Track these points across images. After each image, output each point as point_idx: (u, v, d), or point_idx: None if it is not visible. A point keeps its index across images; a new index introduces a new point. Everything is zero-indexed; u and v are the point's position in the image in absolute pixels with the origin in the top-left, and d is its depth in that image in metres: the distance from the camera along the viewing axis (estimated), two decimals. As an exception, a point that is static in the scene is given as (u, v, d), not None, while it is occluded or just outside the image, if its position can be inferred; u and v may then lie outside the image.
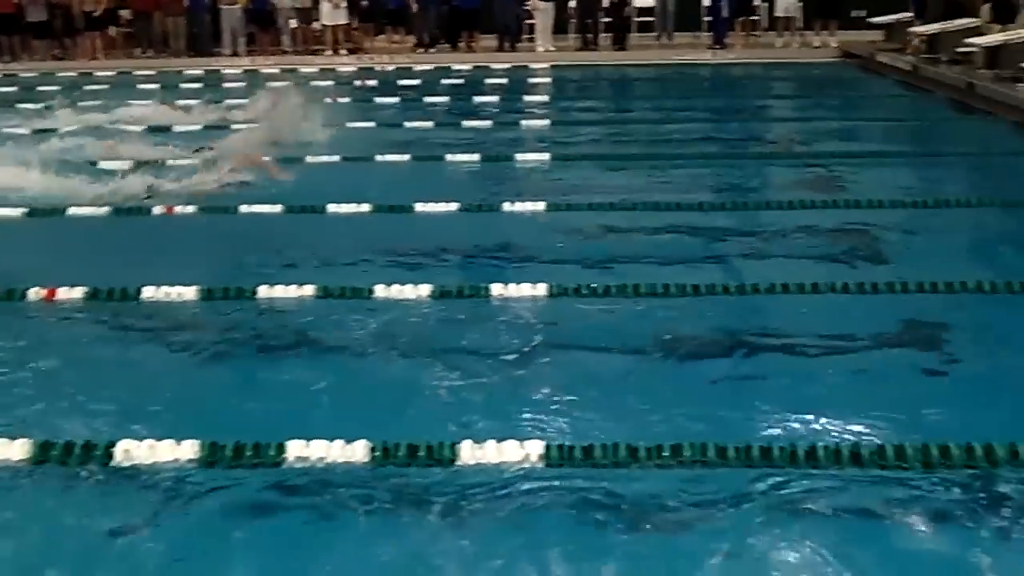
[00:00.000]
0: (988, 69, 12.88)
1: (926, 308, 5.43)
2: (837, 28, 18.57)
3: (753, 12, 19.20)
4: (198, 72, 17.50)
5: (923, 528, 3.43)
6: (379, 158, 9.43)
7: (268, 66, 17.98)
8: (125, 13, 19.60)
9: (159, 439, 3.90)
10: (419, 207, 7.60)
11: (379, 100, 13.77)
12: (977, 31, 14.02)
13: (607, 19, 19.31)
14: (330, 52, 19.20)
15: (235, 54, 19.24)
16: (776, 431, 4.03)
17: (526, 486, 3.68)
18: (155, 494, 3.68)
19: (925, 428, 4.00)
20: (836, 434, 3.97)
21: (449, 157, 9.58)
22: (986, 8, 14.55)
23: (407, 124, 11.79)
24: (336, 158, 9.27)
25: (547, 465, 3.78)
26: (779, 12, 18.68)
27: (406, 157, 9.52)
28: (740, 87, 15.72)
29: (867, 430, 4.02)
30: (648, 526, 3.47)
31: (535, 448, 3.82)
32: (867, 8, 18.78)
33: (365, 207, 7.59)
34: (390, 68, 17.81)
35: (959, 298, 5.51)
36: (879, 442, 3.85)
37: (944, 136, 11.30)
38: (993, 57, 12.88)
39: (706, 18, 19.41)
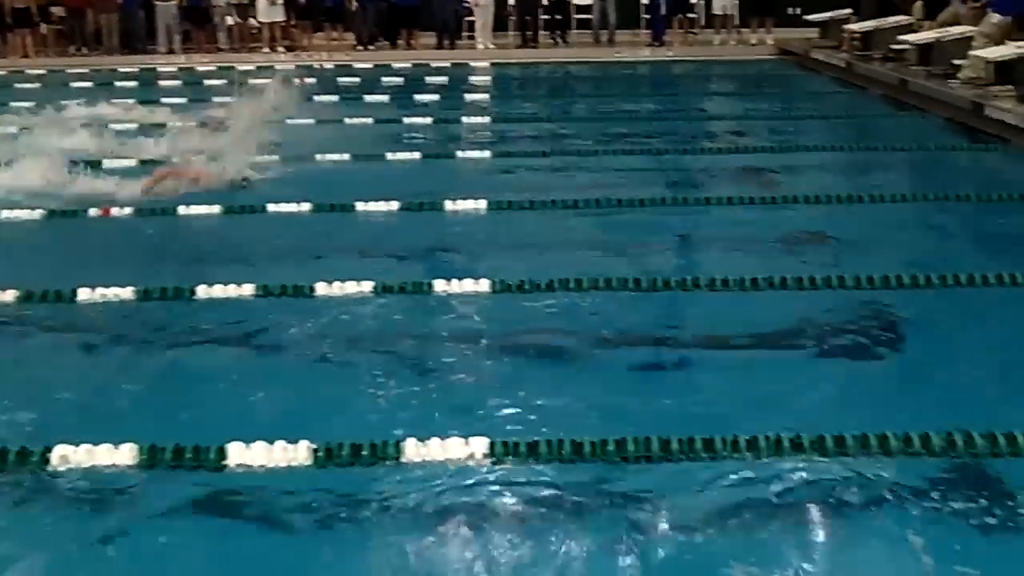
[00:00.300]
0: (920, 66, 13.12)
1: (862, 302, 5.51)
2: (773, 26, 18.82)
3: (691, 10, 19.38)
4: (133, 70, 17.22)
5: (863, 514, 3.48)
6: (319, 157, 9.35)
7: (204, 64, 17.75)
8: (57, 10, 19.22)
9: (96, 443, 3.82)
10: (360, 205, 7.55)
11: (318, 99, 13.65)
12: (910, 28, 14.27)
13: (546, 16, 19.35)
14: (267, 50, 19.01)
15: (171, 52, 18.97)
16: (718, 423, 4.05)
17: (472, 483, 3.67)
18: (93, 499, 3.61)
19: (863, 418, 4.06)
20: (776, 424, 4.01)
21: (390, 155, 9.53)
22: (918, 6, 14.83)
23: (347, 122, 11.71)
24: (275, 157, 9.17)
25: (492, 461, 3.78)
26: (716, 10, 18.88)
27: (346, 156, 9.45)
28: (679, 84, 15.88)
29: (806, 421, 4.06)
30: (594, 520, 3.48)
31: (480, 444, 3.82)
32: (802, 6, 19.04)
33: (306, 206, 7.52)
34: (329, 66, 17.67)
35: (894, 292, 5.61)
36: (818, 432, 3.90)
37: (878, 132, 11.48)
38: (925, 54, 13.13)
39: (645, 16, 19.55)
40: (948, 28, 13.17)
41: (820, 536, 3.37)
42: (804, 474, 3.69)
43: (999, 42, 11.57)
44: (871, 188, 8.00)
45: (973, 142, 10.05)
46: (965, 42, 12.26)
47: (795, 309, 5.43)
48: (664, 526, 3.43)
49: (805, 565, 3.20)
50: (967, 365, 4.81)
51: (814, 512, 3.49)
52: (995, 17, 11.97)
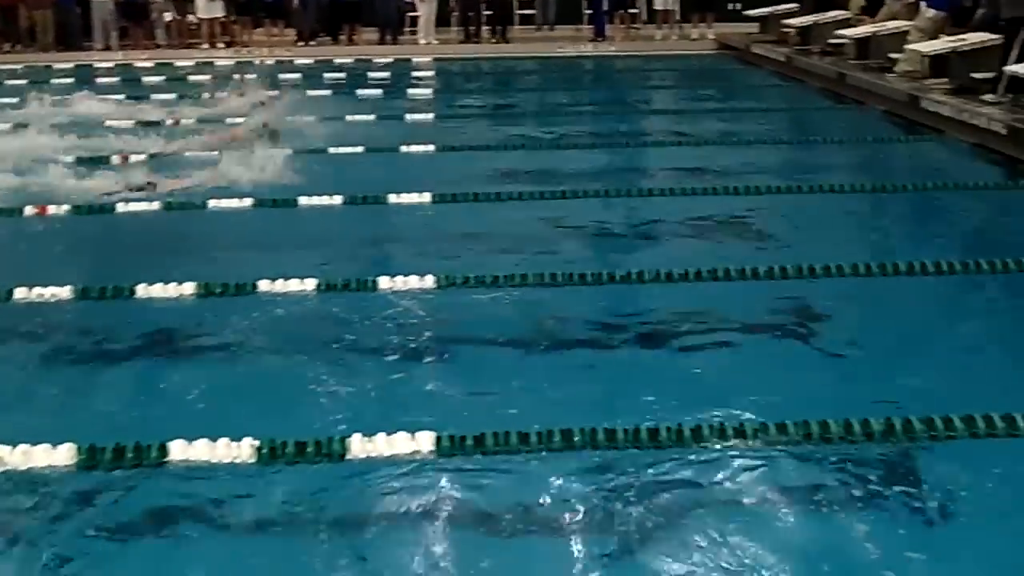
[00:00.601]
0: (858, 60, 13.32)
1: (804, 292, 5.58)
2: (714, 21, 18.98)
3: (632, 5, 19.47)
4: (68, 66, 16.91)
5: (807, 501, 3.52)
6: (261, 152, 9.25)
7: (142, 60, 17.48)
8: (-12, 6, 18.82)
9: (34, 444, 3.74)
10: (303, 200, 7.49)
11: (260, 94, 13.49)
12: (847, 23, 14.46)
13: (489, 12, 19.34)
14: (207, 46, 18.77)
15: (107, 48, 18.64)
16: (663, 413, 4.07)
17: (418, 477, 3.66)
18: (31, 500, 3.54)
19: (804, 406, 4.10)
20: (720, 414, 4.04)
21: (332, 150, 9.46)
22: (856, 1, 15.04)
23: (288, 118, 11.59)
24: (216, 153, 9.06)
25: (439, 455, 3.77)
26: (658, 5, 18.99)
27: (288, 151, 9.36)
28: (621, 79, 15.94)
29: (749, 410, 4.10)
30: (543, 512, 3.48)
31: (426, 439, 3.80)
32: (743, 1, 19.23)
33: (247, 202, 7.45)
34: (270, 62, 17.49)
35: (834, 281, 5.68)
36: (761, 420, 3.94)
37: (817, 124, 11.63)
38: (862, 48, 13.33)
39: (587, 11, 19.62)
40: (884, 23, 13.37)
41: (761, 523, 3.40)
42: (748, 462, 3.73)
43: (933, 36, 11.77)
44: (811, 179, 8.11)
45: (909, 134, 10.22)
46: (901, 36, 12.46)
47: (738, 299, 5.48)
48: (613, 516, 3.44)
49: (748, 553, 3.23)
50: (904, 352, 4.89)
51: (757, 499, 3.52)
52: (929, 12, 12.18)
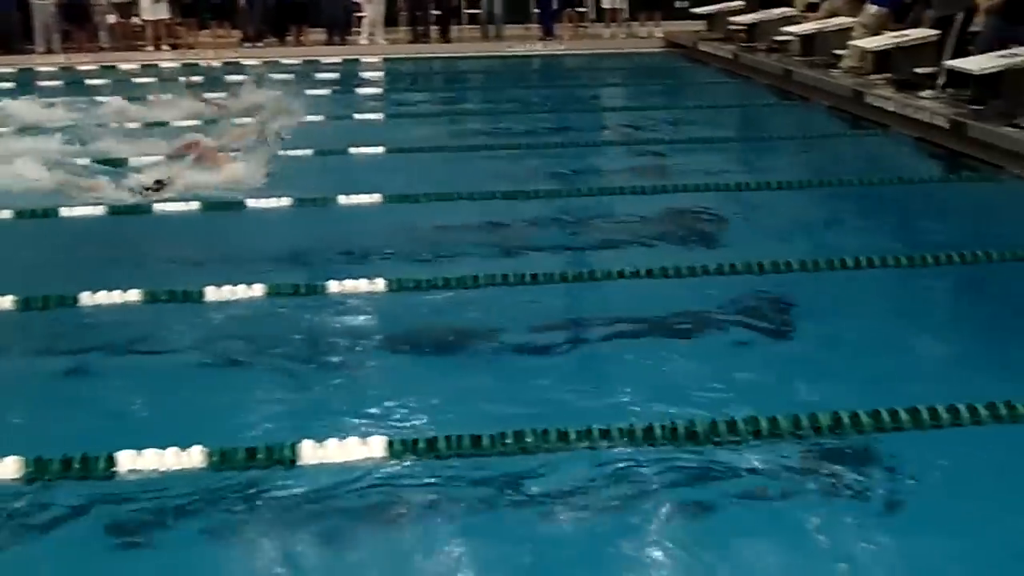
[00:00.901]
0: (803, 56, 13.46)
1: (755, 288, 5.62)
2: (662, 19, 19.09)
3: (581, 4, 19.52)
4: (10, 70, 16.59)
5: (757, 496, 3.55)
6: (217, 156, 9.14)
7: (85, 63, 17.20)
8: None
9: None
10: (251, 203, 7.42)
11: (207, 96, 13.34)
12: (793, 20, 14.60)
13: (437, 11, 19.29)
14: (151, 48, 18.53)
15: (49, 51, 18.33)
16: (614, 412, 4.08)
17: (371, 482, 3.64)
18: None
19: (755, 401, 4.14)
20: (671, 412, 4.05)
21: (280, 152, 9.38)
22: (800, -3, 15.20)
23: (235, 120, 11.48)
24: (160, 156, 8.94)
25: (391, 460, 3.75)
26: (606, 4, 19.05)
27: (236, 153, 9.27)
28: (570, 77, 15.96)
29: (699, 407, 4.13)
30: (497, 513, 3.48)
31: (378, 444, 3.78)
32: (689, -1, 19.36)
33: (194, 205, 7.37)
34: (216, 64, 17.31)
35: (781, 276, 5.74)
36: (712, 417, 3.96)
37: (764, 121, 11.74)
38: (808, 45, 13.47)
39: (535, 10, 19.62)
40: (828, 20, 13.52)
41: (712, 519, 3.43)
42: (701, 459, 3.76)
43: (876, 32, 11.93)
44: (758, 175, 8.18)
45: (854, 128, 10.35)
46: (845, 33, 12.61)
47: (686, 296, 5.51)
48: (567, 515, 3.45)
49: (698, 548, 3.25)
50: (851, 345, 4.95)
51: (711, 495, 3.55)
52: (872, 8, 12.34)
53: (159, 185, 7.68)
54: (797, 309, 5.42)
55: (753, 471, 3.69)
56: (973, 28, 10.23)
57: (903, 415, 3.93)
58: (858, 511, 3.47)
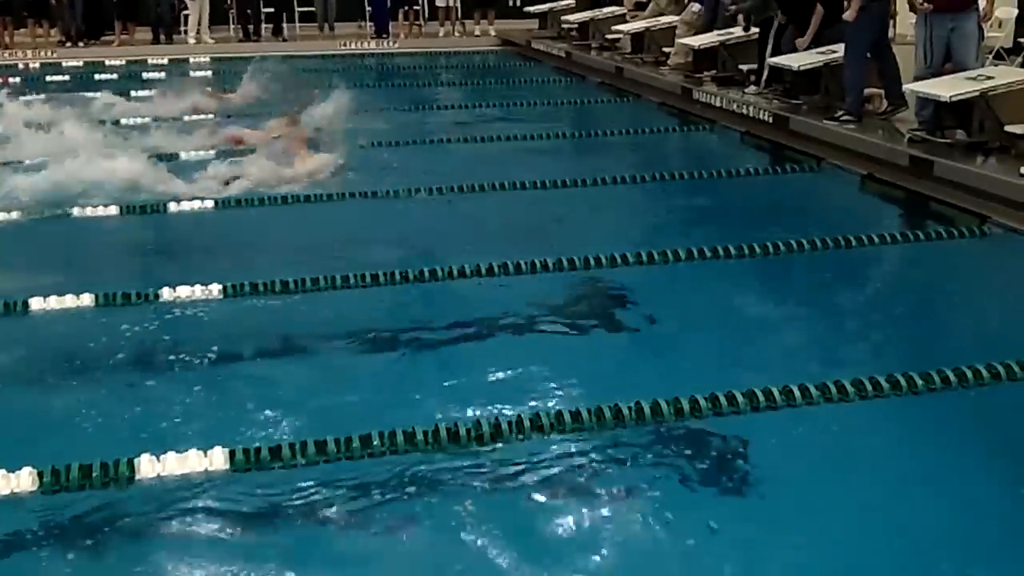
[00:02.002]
0: (633, 54, 13.79)
1: (587, 282, 5.73)
2: (495, 17, 19.22)
3: (415, 2, 19.47)
4: None
5: (604, 485, 3.63)
6: (28, 161, 8.73)
7: None
8: None
9: None
10: (77, 211, 7.14)
11: (24, 99, 12.73)
12: (623, 19, 14.93)
13: (269, 9, 18.92)
14: (-38, 48, 17.55)
15: None
16: (463, 411, 4.10)
17: (213, 494, 3.55)
18: None
19: (601, 393, 4.21)
20: (518, 408, 4.10)
21: (106, 157, 9.02)
22: (629, -4, 15.54)
23: (57, 124, 10.98)
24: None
25: (234, 470, 3.66)
26: (439, 2, 19.06)
27: (61, 159, 8.89)
28: (406, 76, 15.86)
29: (544, 402, 4.19)
30: (348, 519, 3.45)
31: (219, 455, 3.69)
32: (522, -3, 19.57)
33: (14, 215, 7.02)
34: (35, 65, 16.53)
35: (617, 270, 5.86)
36: (559, 408, 4.03)
37: (598, 118, 11.94)
38: (637, 43, 13.81)
39: (368, 7, 19.47)
40: (657, 19, 13.88)
41: (569, 509, 3.49)
42: (551, 452, 3.82)
43: (700, 31, 12.30)
44: (592, 172, 8.31)
45: (684, 124, 10.67)
46: (672, 31, 12.97)
47: (527, 293, 5.57)
48: (419, 517, 3.45)
49: (553, 540, 3.31)
50: (689, 335, 5.11)
51: (561, 487, 3.62)
52: (695, 7, 12.71)
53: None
54: (634, 301, 5.55)
55: (608, 460, 3.76)
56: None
57: (740, 399, 4.07)
58: (695, 496, 3.59)
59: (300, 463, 3.72)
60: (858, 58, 8.71)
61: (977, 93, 7.40)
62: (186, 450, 3.70)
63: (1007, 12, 11.17)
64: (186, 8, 18.46)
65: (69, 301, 5.29)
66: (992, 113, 7.41)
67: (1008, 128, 7.34)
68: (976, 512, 3.48)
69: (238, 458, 3.70)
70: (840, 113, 8.68)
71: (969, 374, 4.29)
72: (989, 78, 7.56)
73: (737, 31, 11.35)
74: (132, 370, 4.63)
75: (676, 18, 13.23)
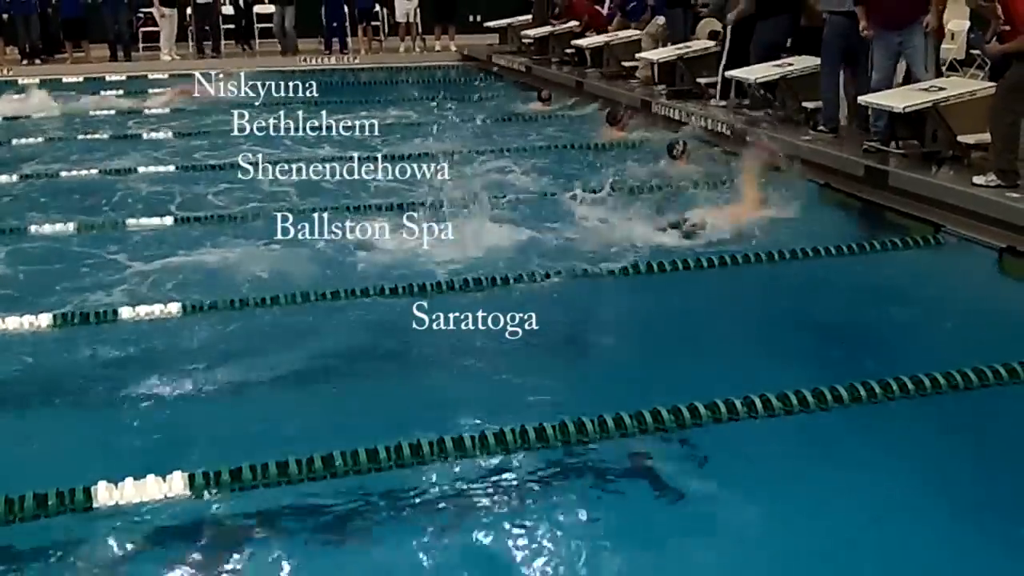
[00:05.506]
0: (594, 68, 13.87)
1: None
2: (456, 33, 19.24)
3: (374, 18, 19.45)
4: None
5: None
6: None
7: None
8: None
9: None
10: (34, 229, 7.07)
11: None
12: (581, 34, 15.00)
13: (229, 25, 18.85)
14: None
15: None
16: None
17: (174, 520, 3.52)
18: None
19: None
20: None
21: (65, 174, 8.97)
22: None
23: (17, 142, 10.89)
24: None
25: (194, 495, 3.62)
26: (399, 18, 19.06)
27: (14, 177, 8.82)
28: (365, 91, 15.81)
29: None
30: (311, 539, 3.43)
31: (178, 480, 3.65)
32: (481, 13, 19.60)
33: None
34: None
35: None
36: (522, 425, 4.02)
37: (561, 130, 11.93)
38: (596, 57, 13.89)
39: (331, 23, 19.40)
40: (617, 32, 13.97)
41: (524, 525, 3.48)
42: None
43: (665, 43, 12.40)
44: (554, 184, 8.31)
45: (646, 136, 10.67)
46: (633, 45, 13.06)
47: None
48: (368, 532, 3.47)
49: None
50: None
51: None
52: (660, 19, 12.82)
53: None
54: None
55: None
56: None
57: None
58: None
59: (260, 483, 3.68)
60: (827, 70, 8.85)
61: (930, 104, 7.50)
62: (143, 476, 3.65)
63: (959, 24, 11.37)
64: (145, 25, 18.36)
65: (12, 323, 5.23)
66: (945, 124, 7.51)
67: (961, 138, 7.45)
68: (936, 521, 3.51)
69: (198, 482, 3.66)
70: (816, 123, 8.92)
71: (926, 382, 4.33)
72: (942, 89, 7.67)
73: (696, 45, 11.44)
74: (88, 391, 4.57)
75: (636, 32, 13.33)
